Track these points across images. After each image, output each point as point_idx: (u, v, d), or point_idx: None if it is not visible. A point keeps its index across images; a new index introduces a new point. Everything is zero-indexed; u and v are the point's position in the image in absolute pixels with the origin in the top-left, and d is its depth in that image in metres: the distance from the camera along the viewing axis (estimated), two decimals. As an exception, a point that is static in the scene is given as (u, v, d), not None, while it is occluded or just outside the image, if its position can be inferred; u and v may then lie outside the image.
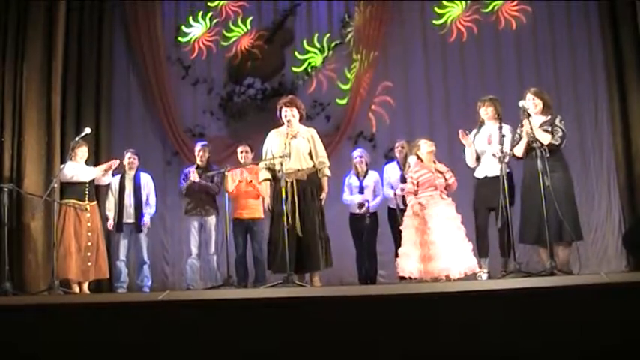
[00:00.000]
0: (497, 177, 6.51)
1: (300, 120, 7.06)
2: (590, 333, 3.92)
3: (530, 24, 9.71)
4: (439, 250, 6.74)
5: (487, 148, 6.93)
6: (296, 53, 10.22)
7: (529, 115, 6.40)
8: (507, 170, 6.61)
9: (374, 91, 9.93)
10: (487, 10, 9.86)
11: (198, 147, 8.55)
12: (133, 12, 10.26)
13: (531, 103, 6.64)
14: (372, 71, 9.83)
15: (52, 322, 4.50)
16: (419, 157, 7.18)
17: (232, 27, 10.46)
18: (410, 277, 7.01)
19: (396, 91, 9.95)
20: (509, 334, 4.00)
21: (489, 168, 6.88)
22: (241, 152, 8.24)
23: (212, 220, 8.32)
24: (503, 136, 6.58)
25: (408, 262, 6.91)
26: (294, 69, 10.14)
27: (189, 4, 10.61)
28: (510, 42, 9.76)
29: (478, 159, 7.05)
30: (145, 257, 8.46)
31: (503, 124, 6.85)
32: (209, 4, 10.55)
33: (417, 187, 7.05)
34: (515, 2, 9.78)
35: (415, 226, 6.96)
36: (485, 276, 6.76)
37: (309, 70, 10.10)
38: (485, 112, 7.04)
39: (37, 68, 9.11)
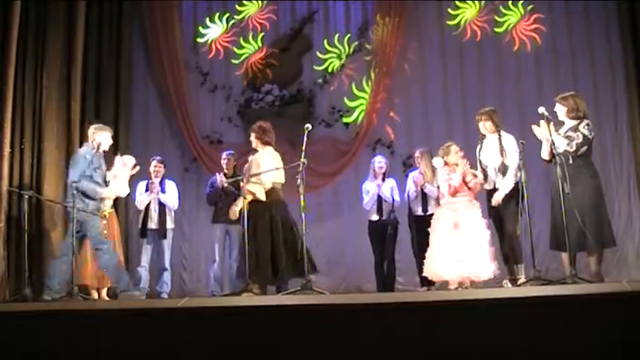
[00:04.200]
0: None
1: (262, 142, 7.28)
2: (612, 342, 3.87)
3: (549, 31, 9.67)
4: (469, 253, 6.77)
5: (492, 161, 6.96)
6: (317, 53, 10.26)
7: (549, 121, 6.35)
8: (515, 180, 6.63)
9: (392, 102, 9.95)
10: (501, 30, 9.86)
11: (223, 156, 8.57)
12: (152, 20, 10.32)
13: (558, 108, 6.59)
14: (390, 82, 9.84)
15: (71, 329, 4.50)
16: (446, 162, 7.17)
17: (243, 44, 10.50)
18: (433, 281, 7.19)
19: (414, 98, 9.94)
20: (529, 342, 3.96)
21: (497, 180, 6.93)
22: None
23: (237, 227, 8.31)
24: (502, 147, 6.84)
25: (436, 264, 6.94)
26: (316, 67, 10.18)
27: (206, 12, 10.66)
28: (529, 48, 9.72)
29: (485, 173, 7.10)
30: (167, 264, 8.45)
31: (504, 134, 6.95)
32: (235, 17, 10.60)
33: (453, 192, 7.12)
34: (530, 21, 9.77)
35: (445, 229, 6.99)
36: (511, 283, 6.73)
37: (328, 75, 10.13)
38: (484, 126, 7.06)
39: (57, 76, 9.18)
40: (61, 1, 9.34)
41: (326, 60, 10.20)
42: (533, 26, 9.76)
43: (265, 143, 7.27)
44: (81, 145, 9.09)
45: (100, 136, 7.49)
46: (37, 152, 8.96)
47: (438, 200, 7.45)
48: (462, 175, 7.06)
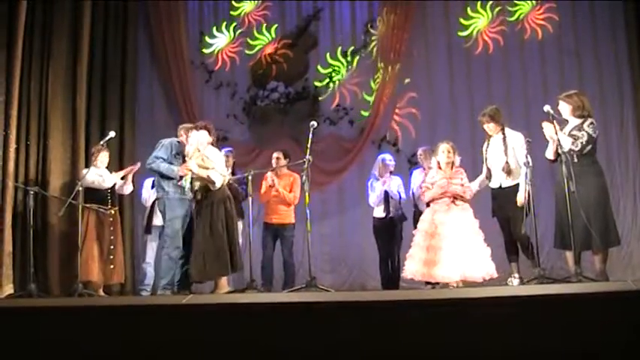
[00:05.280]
0: (510, 187, 6.79)
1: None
2: (616, 341, 3.86)
3: (555, 29, 9.65)
4: (445, 256, 6.74)
5: (497, 160, 6.94)
6: (319, 67, 10.24)
7: (554, 119, 6.33)
8: (518, 180, 6.63)
9: (398, 99, 9.93)
10: (512, 19, 9.82)
11: (222, 153, 8.53)
12: (157, 17, 10.35)
13: (562, 107, 6.56)
14: (395, 80, 9.82)
15: (76, 325, 4.51)
16: (438, 162, 7.16)
17: (257, 35, 10.51)
18: (413, 279, 7.10)
19: (420, 96, 9.94)
20: (533, 341, 3.95)
21: (502, 179, 6.89)
22: (274, 158, 8.26)
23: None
24: (506, 146, 6.83)
25: (412, 264, 6.93)
26: (317, 83, 10.16)
27: (212, 10, 10.68)
28: (535, 47, 9.70)
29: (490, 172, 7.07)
30: None
31: (510, 133, 6.93)
32: (232, 12, 10.62)
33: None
34: (542, 10, 9.72)
35: (425, 230, 6.98)
36: (516, 281, 6.72)
37: (333, 84, 10.11)
38: (488, 128, 7.04)
39: (62, 73, 9.20)
40: (67, -1, 9.38)
41: (327, 75, 10.19)
42: (545, 15, 9.73)
43: (208, 142, 7.33)
44: (86, 142, 9.17)
45: (188, 131, 7.44)
46: (43, 148, 8.98)
47: None
48: (445, 179, 7.06)
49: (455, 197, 7.00)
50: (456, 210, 6.96)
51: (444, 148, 7.11)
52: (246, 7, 10.64)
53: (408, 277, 7.02)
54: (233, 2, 10.67)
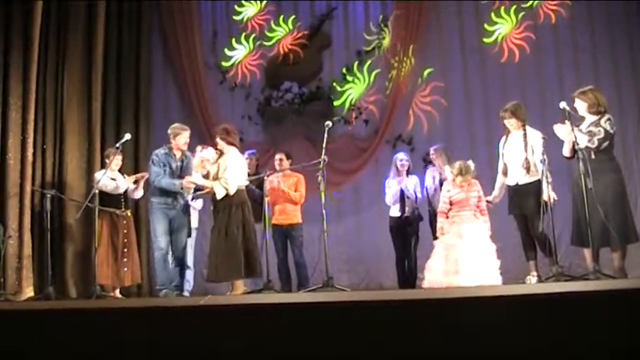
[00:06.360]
0: (527, 184, 6.73)
1: (227, 143, 7.31)
2: (637, 339, 3.83)
3: (570, 25, 9.59)
4: (465, 266, 6.80)
5: (515, 156, 6.89)
6: (335, 84, 10.21)
7: (570, 116, 6.29)
8: (539, 177, 6.58)
9: (415, 94, 9.90)
10: (526, 6, 9.76)
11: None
12: (170, 18, 10.38)
13: (578, 104, 6.51)
14: (408, 78, 9.81)
15: (93, 327, 4.53)
16: (454, 179, 7.23)
17: (274, 26, 10.52)
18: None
19: (434, 94, 9.89)
20: (552, 339, 3.93)
21: (519, 176, 6.84)
22: (277, 159, 8.24)
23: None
24: (526, 143, 6.76)
25: (431, 275, 7.00)
26: (336, 103, 10.13)
27: (225, 10, 10.68)
28: (550, 44, 9.63)
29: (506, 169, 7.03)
30: (190, 262, 8.43)
31: (530, 130, 6.87)
32: (234, 17, 10.63)
33: (451, 205, 7.16)
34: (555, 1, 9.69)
35: (445, 241, 7.05)
36: (534, 280, 6.70)
37: (349, 102, 10.12)
38: (509, 123, 6.99)
39: (77, 76, 9.25)
40: (82, 0, 9.39)
41: (344, 92, 10.17)
42: (558, 1, 9.68)
43: (230, 144, 7.33)
44: (102, 145, 9.22)
45: (176, 136, 7.64)
46: (59, 152, 9.03)
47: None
48: (464, 193, 7.11)
49: (474, 210, 7.12)
50: (476, 222, 7.05)
51: (454, 169, 7.18)
52: (250, 11, 10.64)
53: (427, 286, 7.04)
54: (236, 7, 10.68)
